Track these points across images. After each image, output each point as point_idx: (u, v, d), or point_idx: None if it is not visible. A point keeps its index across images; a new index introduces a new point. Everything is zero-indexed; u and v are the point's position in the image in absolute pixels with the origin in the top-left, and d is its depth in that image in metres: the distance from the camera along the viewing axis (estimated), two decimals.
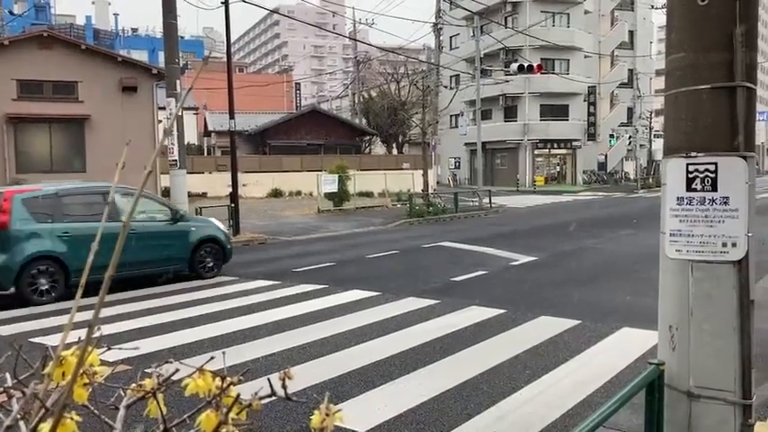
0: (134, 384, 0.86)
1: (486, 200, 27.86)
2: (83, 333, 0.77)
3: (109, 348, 0.94)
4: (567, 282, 10.62)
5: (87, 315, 0.77)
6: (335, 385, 5.50)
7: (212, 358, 0.87)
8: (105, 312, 8.36)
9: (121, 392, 0.89)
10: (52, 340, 6.47)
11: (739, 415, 2.87)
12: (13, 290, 9.29)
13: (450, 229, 20.03)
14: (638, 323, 7.25)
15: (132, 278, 10.21)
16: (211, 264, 11.54)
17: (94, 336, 0.74)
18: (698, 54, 2.83)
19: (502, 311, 8.22)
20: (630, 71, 53.75)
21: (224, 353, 0.93)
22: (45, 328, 7.77)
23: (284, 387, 0.71)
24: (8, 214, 9.34)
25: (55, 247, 9.55)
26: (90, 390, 0.87)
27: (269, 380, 0.74)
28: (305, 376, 5.60)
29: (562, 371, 5.86)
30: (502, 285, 10.45)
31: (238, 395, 0.75)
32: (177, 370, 0.88)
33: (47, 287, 9.40)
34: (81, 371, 0.80)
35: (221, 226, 12.54)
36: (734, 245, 2.82)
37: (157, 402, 0.82)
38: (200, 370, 0.80)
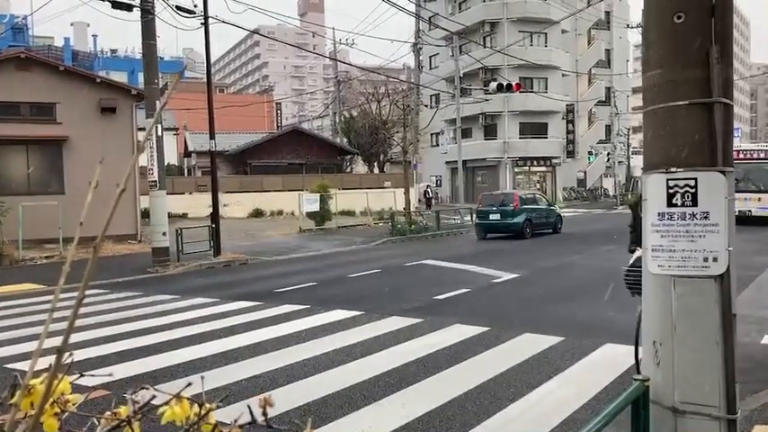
0: (108, 413, 0.83)
1: (467, 217, 27.94)
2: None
3: (81, 375, 0.90)
4: (550, 298, 10.64)
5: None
6: (319, 407, 5.43)
7: (189, 384, 0.83)
8: (72, 338, 8.21)
9: (95, 421, 0.85)
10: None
11: (724, 430, 2.87)
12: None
13: (433, 248, 20.03)
14: (620, 339, 7.26)
15: (539, 232, 22.90)
16: (560, 227, 24.00)
17: (65, 362, 0.71)
18: (675, 70, 2.86)
19: (485, 329, 8.20)
20: (608, 89, 54.54)
21: (203, 377, 0.89)
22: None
23: (265, 414, 0.68)
24: (518, 202, 22.23)
25: (529, 216, 22.35)
26: (62, 419, 0.83)
27: (248, 406, 0.71)
28: (287, 398, 5.52)
29: (546, 388, 5.83)
30: (485, 303, 10.43)
31: (216, 424, 0.72)
32: (154, 396, 0.84)
33: (528, 231, 22.07)
34: (51, 400, 0.77)
35: (560, 209, 26.85)
36: (715, 260, 2.83)
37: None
38: (177, 396, 0.77)
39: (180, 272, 15.55)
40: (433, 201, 41.99)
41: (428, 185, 43.38)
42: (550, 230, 23.52)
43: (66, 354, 0.71)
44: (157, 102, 15.83)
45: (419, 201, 40.47)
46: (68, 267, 0.78)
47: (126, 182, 0.70)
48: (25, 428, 0.69)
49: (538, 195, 25.55)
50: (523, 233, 21.87)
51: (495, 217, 22.38)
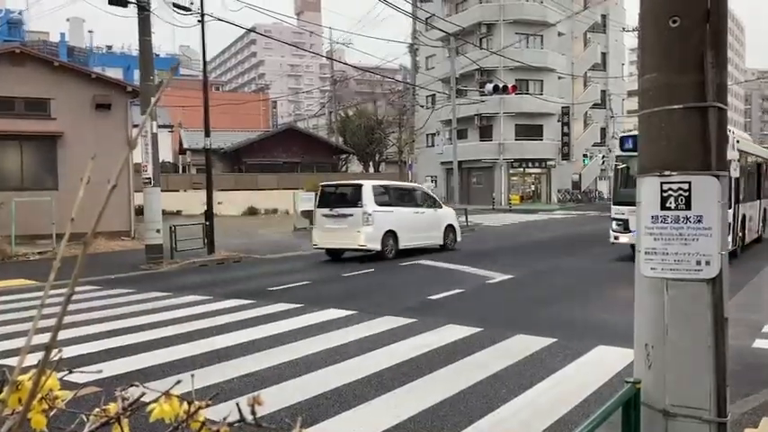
0: (97, 410, 0.82)
1: (462, 218, 27.97)
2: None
3: (70, 372, 0.90)
4: (543, 300, 10.66)
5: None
6: (310, 407, 5.42)
7: (179, 382, 0.83)
8: (64, 335, 8.19)
9: (84, 418, 0.85)
10: None
11: None
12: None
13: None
14: (613, 341, 7.28)
15: None
16: None
17: (53, 359, 0.70)
18: (670, 74, 2.86)
19: (478, 330, 8.21)
20: (603, 92, 54.68)
21: (192, 375, 0.89)
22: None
23: (254, 413, 0.68)
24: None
25: None
26: (50, 416, 0.83)
27: (237, 404, 0.71)
28: (279, 397, 5.51)
29: (539, 389, 5.84)
30: (478, 304, 10.44)
31: (203, 423, 0.72)
32: (144, 393, 0.84)
33: None
34: (40, 396, 0.76)
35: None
36: (707, 263, 2.84)
37: (121, 429, 0.78)
38: (167, 394, 0.77)
39: (173, 269, 15.51)
40: None
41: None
42: None
43: (55, 350, 0.70)
44: (152, 99, 15.79)
45: None
46: (59, 263, 0.77)
47: (117, 178, 0.70)
48: (12, 424, 0.68)
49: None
50: None
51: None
